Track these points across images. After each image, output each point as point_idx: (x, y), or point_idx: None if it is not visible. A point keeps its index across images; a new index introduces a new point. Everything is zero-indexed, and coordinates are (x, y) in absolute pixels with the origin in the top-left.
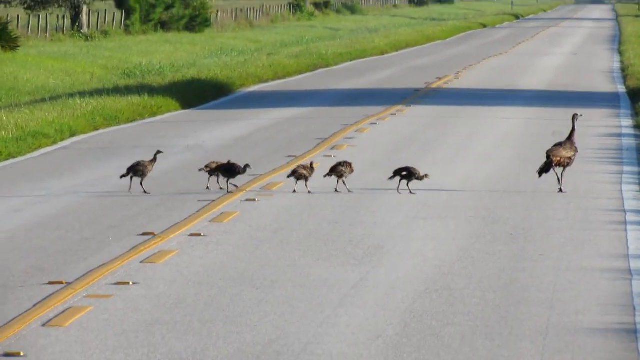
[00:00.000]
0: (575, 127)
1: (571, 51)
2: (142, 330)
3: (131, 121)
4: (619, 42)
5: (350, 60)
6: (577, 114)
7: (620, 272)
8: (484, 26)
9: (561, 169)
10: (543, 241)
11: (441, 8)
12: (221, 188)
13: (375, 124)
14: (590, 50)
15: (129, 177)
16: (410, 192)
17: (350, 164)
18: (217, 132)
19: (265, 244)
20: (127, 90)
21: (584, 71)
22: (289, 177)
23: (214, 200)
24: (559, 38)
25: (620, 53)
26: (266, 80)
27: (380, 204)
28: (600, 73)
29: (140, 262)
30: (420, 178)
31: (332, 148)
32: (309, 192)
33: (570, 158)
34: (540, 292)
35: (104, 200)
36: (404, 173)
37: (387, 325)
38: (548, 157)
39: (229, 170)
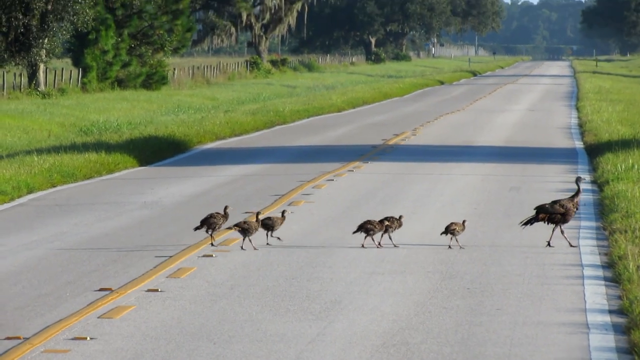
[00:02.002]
0: (581, 190)
1: (529, 108)
2: None
3: (88, 178)
4: (576, 98)
5: (307, 117)
6: (581, 177)
7: (578, 326)
8: (442, 83)
9: (554, 225)
10: (500, 295)
11: (398, 65)
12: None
13: (333, 180)
14: (548, 107)
15: (203, 230)
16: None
17: (398, 219)
18: (174, 188)
19: (222, 300)
20: (85, 148)
21: (541, 127)
22: (354, 233)
23: (171, 256)
24: (516, 95)
25: (578, 109)
26: (223, 137)
27: (337, 260)
28: (558, 129)
29: (98, 317)
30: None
31: (290, 204)
32: (379, 245)
33: (562, 214)
34: (497, 347)
35: (61, 257)
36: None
37: None
38: (537, 212)
39: (267, 224)
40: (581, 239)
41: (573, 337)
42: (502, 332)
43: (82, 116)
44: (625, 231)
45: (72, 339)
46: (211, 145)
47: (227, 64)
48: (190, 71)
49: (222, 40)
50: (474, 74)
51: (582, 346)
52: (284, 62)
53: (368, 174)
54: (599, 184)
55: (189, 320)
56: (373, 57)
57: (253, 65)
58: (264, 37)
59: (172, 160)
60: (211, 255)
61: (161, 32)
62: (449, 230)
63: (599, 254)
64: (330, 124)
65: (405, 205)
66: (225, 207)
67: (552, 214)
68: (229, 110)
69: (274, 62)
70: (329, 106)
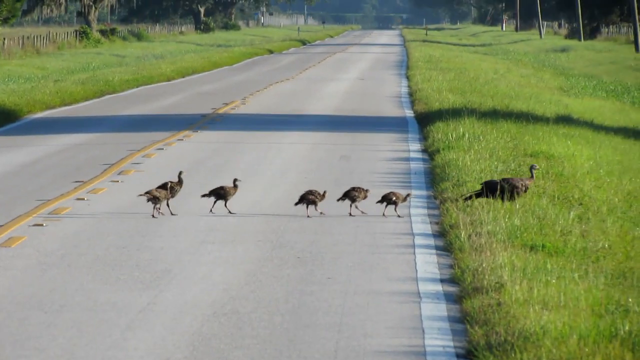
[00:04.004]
0: (533, 176)
1: (358, 76)
2: None
3: None
4: (406, 67)
5: (137, 87)
6: (535, 165)
7: (409, 295)
8: (271, 52)
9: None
10: (331, 264)
11: (227, 34)
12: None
13: (163, 149)
14: (377, 76)
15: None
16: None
17: (365, 190)
18: (3, 158)
19: (53, 269)
20: None
21: (371, 96)
22: (296, 204)
23: (1, 225)
24: (346, 63)
25: (408, 78)
26: (53, 107)
27: (168, 229)
28: (388, 98)
29: None
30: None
31: (120, 173)
32: (321, 213)
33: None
34: (328, 316)
35: None
36: (393, 198)
37: (175, 348)
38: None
39: (220, 194)
40: (412, 208)
41: (405, 306)
42: (333, 301)
43: None
44: (457, 200)
45: None
46: (41, 115)
47: (57, 34)
48: (20, 41)
49: (51, 10)
50: (304, 43)
51: (414, 315)
52: (113, 31)
53: (198, 142)
54: (430, 153)
55: (19, 289)
56: (202, 27)
57: (82, 34)
58: (93, 7)
59: (1, 130)
60: (42, 225)
61: None
62: (386, 199)
63: (430, 222)
64: (160, 93)
65: (236, 174)
66: (180, 173)
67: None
68: (59, 79)
69: (103, 32)
70: (158, 75)
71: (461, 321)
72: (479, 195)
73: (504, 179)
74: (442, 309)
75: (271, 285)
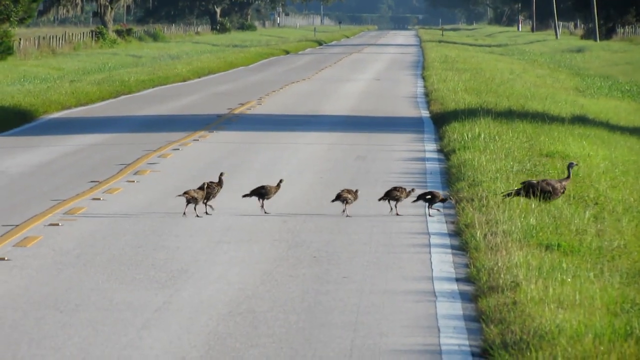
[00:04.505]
0: (570, 176)
1: (374, 77)
2: None
3: None
4: (422, 67)
5: (153, 87)
6: (573, 163)
7: (425, 294)
8: (287, 52)
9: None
10: (347, 264)
11: (243, 35)
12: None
13: (178, 149)
14: (393, 76)
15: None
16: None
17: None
18: (20, 158)
19: (69, 268)
20: None
21: (387, 96)
22: (333, 201)
23: (17, 225)
24: (362, 64)
25: (424, 78)
26: (69, 107)
27: (184, 229)
28: (404, 98)
29: None
30: (443, 200)
31: (135, 173)
32: (347, 215)
33: (548, 192)
34: (343, 315)
35: None
36: (428, 197)
37: (191, 347)
38: (523, 185)
39: (261, 193)
40: (427, 208)
41: (420, 305)
42: (349, 301)
43: None
44: (472, 200)
45: None
46: (57, 115)
47: (72, 34)
48: (36, 41)
49: (67, 11)
50: (320, 43)
51: (429, 314)
52: (129, 32)
53: (214, 143)
54: (446, 153)
55: (35, 289)
56: (218, 27)
57: (99, 35)
58: (109, 7)
59: (18, 130)
60: (57, 224)
61: (7, 2)
62: (422, 198)
63: (446, 222)
64: (175, 93)
65: (252, 174)
66: (221, 174)
67: (538, 190)
68: (75, 80)
69: (119, 32)
70: (174, 76)
71: (477, 320)
72: (517, 193)
73: (543, 180)
74: (457, 307)
75: (287, 285)
